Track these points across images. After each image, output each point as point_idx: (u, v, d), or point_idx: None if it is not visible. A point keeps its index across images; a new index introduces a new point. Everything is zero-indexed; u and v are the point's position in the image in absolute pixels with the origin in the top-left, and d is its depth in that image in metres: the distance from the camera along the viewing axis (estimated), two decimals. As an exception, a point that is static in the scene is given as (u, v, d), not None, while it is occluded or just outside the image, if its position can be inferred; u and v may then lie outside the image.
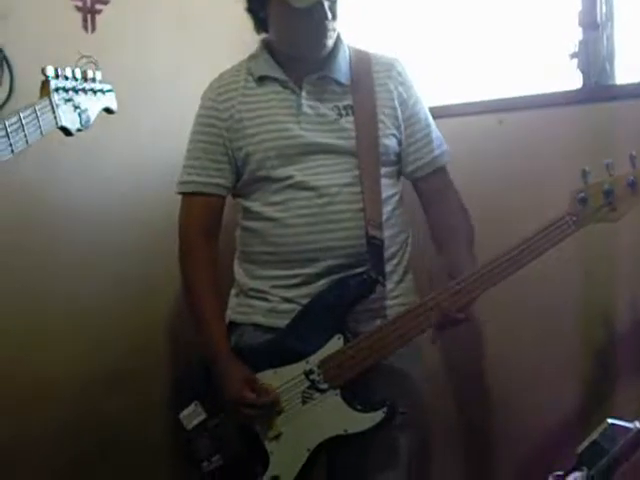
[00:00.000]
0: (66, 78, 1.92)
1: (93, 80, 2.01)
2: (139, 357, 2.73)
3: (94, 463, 2.65)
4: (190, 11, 2.88)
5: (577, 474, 1.65)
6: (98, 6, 2.63)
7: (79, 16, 2.60)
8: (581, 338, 2.48)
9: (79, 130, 1.98)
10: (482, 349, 2.72)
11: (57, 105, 1.88)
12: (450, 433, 2.85)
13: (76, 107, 1.94)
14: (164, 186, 2.41)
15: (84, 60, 2.02)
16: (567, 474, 1.67)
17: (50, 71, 1.89)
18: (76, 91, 1.95)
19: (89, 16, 2.61)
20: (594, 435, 1.63)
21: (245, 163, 2.26)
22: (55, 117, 1.88)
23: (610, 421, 1.63)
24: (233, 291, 2.39)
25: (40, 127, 1.83)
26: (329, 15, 2.17)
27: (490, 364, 2.71)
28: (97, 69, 2.03)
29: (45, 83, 1.88)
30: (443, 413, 2.81)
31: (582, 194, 2.04)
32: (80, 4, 2.60)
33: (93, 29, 2.62)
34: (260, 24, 2.31)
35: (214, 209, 2.32)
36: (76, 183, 2.60)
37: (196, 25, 2.88)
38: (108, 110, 2.09)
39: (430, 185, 2.35)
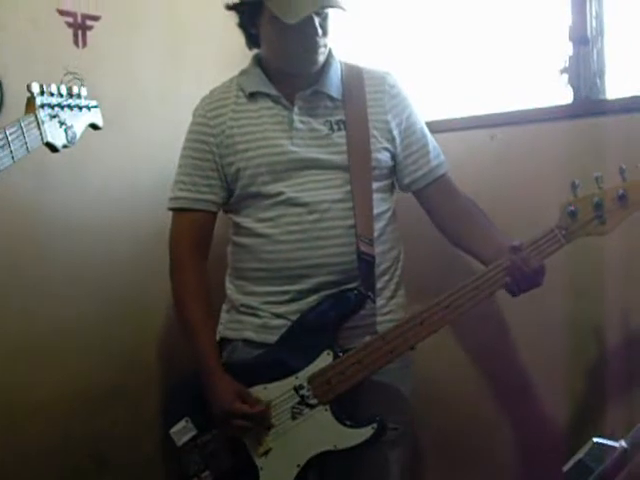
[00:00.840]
0: (52, 94, 1.93)
1: (78, 96, 2.02)
2: (131, 373, 2.72)
3: (89, 477, 2.64)
4: (181, 26, 2.88)
5: None
6: (89, 22, 2.64)
7: (70, 32, 2.60)
8: (570, 354, 2.48)
9: (65, 146, 1.98)
10: (470, 363, 2.72)
11: (43, 121, 1.89)
12: (438, 449, 2.84)
13: (62, 123, 1.95)
14: (155, 201, 2.43)
15: (69, 76, 2.02)
16: None
17: (35, 88, 1.89)
18: (62, 107, 1.96)
19: (80, 32, 2.62)
20: (580, 454, 1.63)
21: (236, 179, 2.25)
22: (41, 133, 1.89)
23: (595, 440, 1.63)
24: (224, 307, 2.39)
25: (26, 143, 1.83)
26: (319, 31, 2.17)
27: (478, 379, 2.71)
28: (82, 85, 2.03)
29: (31, 100, 1.89)
30: (431, 429, 2.80)
31: (572, 207, 2.04)
32: (71, 20, 2.60)
33: (84, 44, 2.62)
34: (251, 40, 2.31)
35: (204, 225, 2.32)
36: (66, 197, 2.59)
37: (187, 40, 2.89)
38: (94, 126, 2.10)
39: (433, 191, 2.33)
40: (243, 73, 2.34)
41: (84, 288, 2.63)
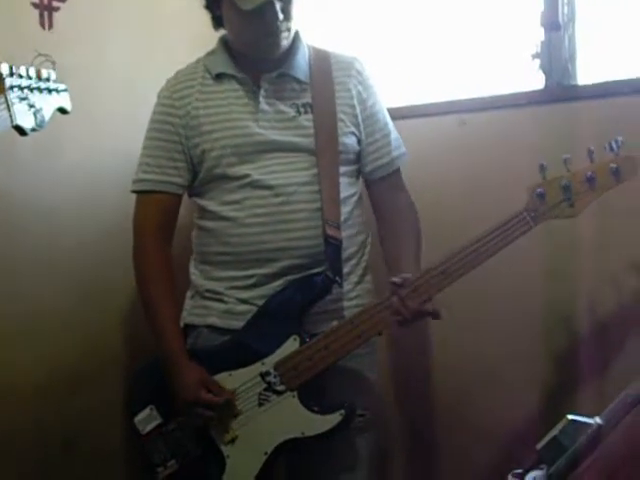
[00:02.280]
0: (20, 76, 1.88)
1: (47, 79, 1.97)
2: (99, 357, 2.68)
3: (58, 460, 2.60)
4: (149, 8, 2.83)
5: (536, 473, 1.63)
6: (55, 3, 2.58)
7: (36, 13, 2.55)
8: (541, 337, 2.48)
9: (33, 130, 1.93)
10: (440, 348, 2.71)
11: (12, 103, 1.84)
12: (408, 434, 2.83)
13: (31, 106, 1.90)
14: (121, 185, 2.38)
15: (41, 58, 1.98)
16: (527, 472, 1.65)
17: (5, 69, 1.84)
18: (31, 90, 1.90)
19: (46, 13, 2.56)
20: (554, 431, 1.62)
21: (201, 161, 2.22)
22: (10, 115, 1.84)
23: (570, 417, 1.62)
24: (189, 293, 2.36)
25: None
26: (280, 16, 2.13)
27: (449, 363, 2.70)
28: (53, 68, 1.98)
29: (0, 81, 1.84)
30: (400, 413, 2.78)
31: (540, 189, 2.02)
32: (37, 1, 2.55)
33: (50, 26, 2.57)
34: (217, 21, 2.28)
35: (169, 208, 2.29)
36: (31, 181, 2.53)
37: (155, 22, 2.84)
38: (62, 110, 2.05)
39: (384, 186, 2.33)
40: (209, 54, 2.31)
41: (52, 272, 2.57)
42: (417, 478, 2.82)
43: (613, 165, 1.99)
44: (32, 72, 1.92)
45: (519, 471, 1.67)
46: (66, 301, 2.61)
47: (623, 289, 2.33)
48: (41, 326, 2.56)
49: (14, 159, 2.45)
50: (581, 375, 2.38)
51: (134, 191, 2.29)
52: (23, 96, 1.88)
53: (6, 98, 1.83)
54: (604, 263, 2.34)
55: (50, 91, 1.98)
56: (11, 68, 1.87)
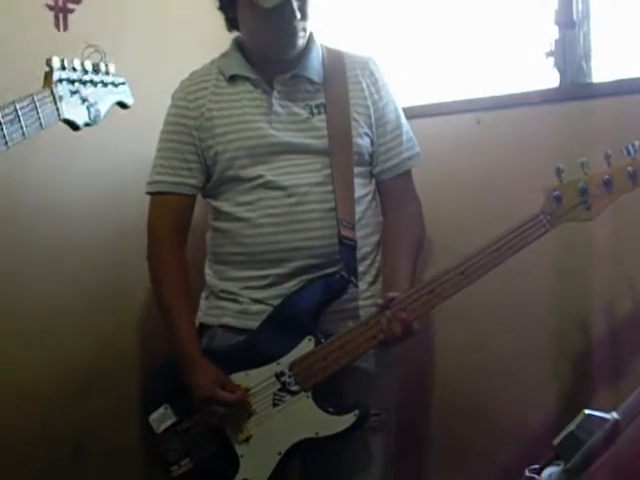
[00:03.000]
0: (74, 70, 1.86)
1: (106, 73, 1.95)
2: (112, 358, 2.69)
3: (68, 464, 2.61)
4: (163, 10, 2.85)
5: (552, 469, 1.64)
6: (70, 5, 2.60)
7: (51, 15, 2.57)
8: (555, 336, 2.46)
9: (87, 125, 1.91)
10: (455, 348, 2.71)
11: (61, 97, 1.81)
12: (423, 434, 2.83)
13: (84, 100, 1.88)
14: (135, 186, 2.39)
15: (90, 50, 1.95)
16: (543, 467, 1.65)
17: (56, 62, 1.82)
18: (83, 83, 1.88)
19: (61, 15, 2.58)
20: (571, 426, 1.61)
21: (215, 162, 2.23)
22: (57, 109, 1.82)
23: (587, 412, 1.61)
24: (203, 294, 2.37)
25: (40, 119, 1.75)
26: (298, 15, 2.14)
27: (464, 362, 2.69)
28: (103, 59, 1.96)
29: (48, 74, 1.82)
30: (416, 414, 2.79)
31: (557, 192, 2.02)
32: (52, 3, 2.56)
33: (65, 28, 2.59)
34: (231, 23, 2.29)
35: (183, 209, 2.30)
36: (49, 181, 2.56)
37: (169, 24, 2.85)
38: (122, 104, 2.03)
39: (393, 188, 2.33)
40: (223, 56, 2.32)
41: (65, 273, 2.59)
42: (433, 477, 2.82)
43: (630, 168, 1.98)
44: (87, 65, 1.90)
45: (536, 467, 1.67)
46: (79, 302, 2.63)
47: (637, 288, 2.32)
48: (52, 327, 2.57)
49: (31, 158, 2.46)
50: (596, 375, 2.37)
51: (148, 192, 2.31)
52: (74, 89, 1.86)
53: (52, 91, 1.81)
54: (618, 262, 2.33)
55: (105, 84, 1.96)
56: (62, 61, 1.84)
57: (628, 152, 1.98)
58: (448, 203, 2.58)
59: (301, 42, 2.21)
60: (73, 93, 1.86)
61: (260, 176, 2.19)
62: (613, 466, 1.55)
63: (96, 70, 1.94)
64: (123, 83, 2.03)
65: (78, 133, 2.28)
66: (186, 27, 2.87)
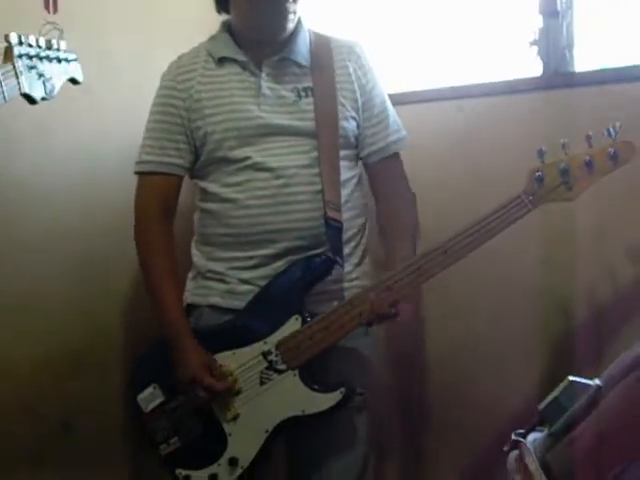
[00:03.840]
0: (30, 45, 1.89)
1: (57, 49, 1.98)
2: (99, 338, 2.70)
3: (57, 442, 2.61)
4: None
5: (536, 435, 1.68)
6: (60, -13, 2.61)
7: (41, -3, 2.58)
8: (538, 321, 2.50)
9: (43, 99, 1.93)
10: (437, 333, 2.74)
11: (21, 72, 1.84)
12: (405, 415, 2.86)
13: (40, 75, 1.90)
14: (124, 167, 2.39)
15: (49, 27, 1.99)
16: (528, 432, 1.69)
17: (14, 38, 1.84)
18: (40, 59, 1.91)
19: (51, -3, 2.59)
20: (555, 392, 1.66)
21: (203, 143, 2.25)
22: (19, 83, 1.85)
23: (571, 378, 1.66)
24: (190, 274, 2.38)
25: (3, 92, 1.78)
26: None
27: (445, 347, 2.73)
28: (62, 37, 1.99)
29: (8, 49, 1.84)
30: (399, 395, 2.82)
31: (539, 173, 2.05)
32: (42, -15, 2.57)
33: (55, 10, 2.59)
34: (221, 5, 2.31)
35: (171, 189, 2.31)
36: (34, 163, 2.56)
37: (161, 7, 2.87)
38: (73, 80, 2.05)
39: (382, 171, 2.36)
40: (212, 39, 2.34)
41: (53, 252, 2.59)
42: (416, 457, 2.85)
43: (611, 150, 2.02)
44: (42, 42, 1.92)
45: (521, 431, 1.71)
46: (67, 282, 2.63)
47: (619, 274, 2.37)
48: (40, 307, 2.57)
49: (15, 140, 2.47)
50: (577, 359, 2.41)
51: (137, 172, 2.32)
52: (32, 65, 1.88)
53: (14, 66, 1.84)
54: (601, 248, 2.38)
55: (60, 60, 1.98)
56: (20, 37, 1.87)
57: (609, 134, 2.02)
58: (431, 190, 2.60)
59: (291, 25, 2.24)
60: (31, 68, 1.89)
61: (248, 157, 2.21)
62: (595, 430, 1.59)
63: (49, 47, 1.96)
64: (75, 60, 2.06)
65: (63, 113, 2.32)
66: (177, 10, 2.88)
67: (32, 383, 2.55)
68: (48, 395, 2.58)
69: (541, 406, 1.67)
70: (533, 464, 1.62)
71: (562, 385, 1.66)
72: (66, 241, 2.63)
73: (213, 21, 2.38)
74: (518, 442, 1.69)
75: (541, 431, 1.68)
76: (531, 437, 1.69)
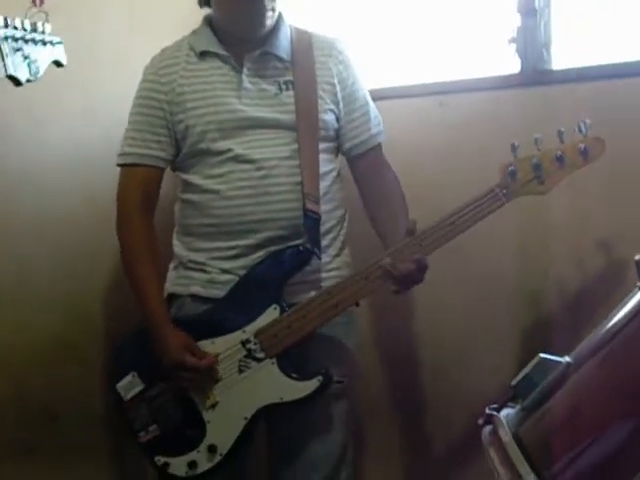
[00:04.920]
0: (15, 28, 1.92)
1: (43, 32, 2.01)
2: (83, 326, 2.72)
3: (41, 430, 2.63)
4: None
5: (509, 410, 1.73)
6: (46, -20, 2.63)
7: (26, -11, 2.60)
8: (510, 313, 2.56)
9: (28, 81, 1.95)
10: (413, 320, 2.78)
11: (6, 54, 1.87)
12: (383, 400, 2.90)
13: (26, 57, 1.92)
14: (110, 158, 2.41)
15: (34, 9, 2.02)
16: (502, 406, 1.75)
17: None
18: (26, 41, 1.93)
19: (37, -10, 2.61)
20: (527, 369, 1.70)
21: (185, 136, 2.28)
22: (4, 65, 1.88)
23: (542, 356, 1.70)
24: (172, 264, 2.41)
25: None
26: None
27: (421, 334, 2.78)
28: (47, 20, 2.02)
29: None
30: (376, 382, 2.86)
31: (512, 167, 2.11)
32: (28, -23, 2.59)
33: (41, 3, 2.61)
34: (203, 0, 2.34)
35: (152, 181, 2.34)
36: (20, 152, 2.57)
37: (146, 1, 2.89)
38: (57, 63, 2.08)
39: (366, 162, 2.40)
40: (194, 33, 2.37)
41: (38, 241, 2.61)
42: (395, 444, 2.89)
43: (582, 145, 2.08)
44: (27, 24, 1.95)
45: (495, 406, 1.76)
46: (51, 270, 2.65)
47: (590, 266, 2.41)
48: (24, 296, 2.59)
49: (3, 128, 2.49)
50: (549, 349, 2.45)
51: (119, 164, 2.35)
52: (18, 47, 1.90)
53: (0, 48, 1.88)
54: (572, 240, 2.43)
55: (45, 43, 2.00)
56: (5, 19, 1.89)
57: (580, 130, 2.08)
58: (411, 184, 2.62)
59: (269, 22, 2.28)
60: (16, 50, 1.91)
61: (229, 150, 2.25)
62: (566, 405, 1.64)
63: (34, 29, 1.99)
64: (60, 42, 2.08)
65: (52, 102, 2.34)
66: (160, 4, 2.91)
67: (16, 371, 2.56)
68: (32, 383, 2.60)
69: (514, 382, 1.71)
70: (506, 436, 1.66)
71: (533, 362, 1.71)
72: (51, 230, 2.64)
73: (197, 14, 2.40)
74: (491, 416, 1.74)
75: (513, 407, 1.73)
76: (504, 412, 1.73)
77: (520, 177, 2.11)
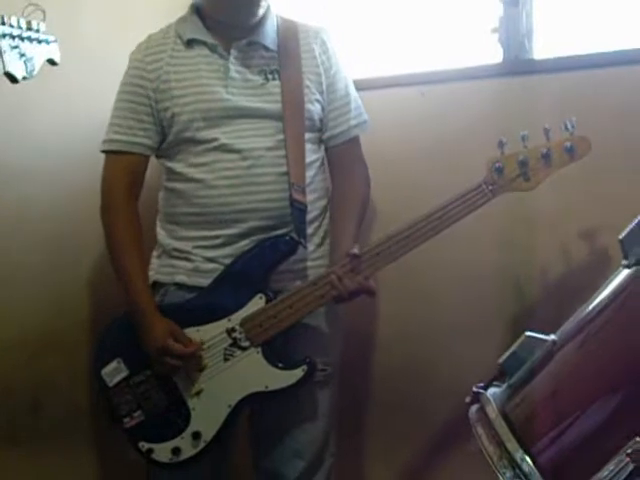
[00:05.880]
0: (12, 26, 1.92)
1: (37, 30, 2.01)
2: (68, 316, 2.71)
3: (26, 419, 2.63)
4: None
5: (495, 390, 1.78)
6: (30, -29, 2.60)
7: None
8: (495, 302, 2.58)
9: (24, 78, 1.96)
10: (397, 308, 2.80)
11: (4, 51, 1.88)
12: (366, 389, 2.92)
13: (22, 55, 1.93)
14: (95, 148, 2.40)
15: (31, 8, 2.01)
16: (489, 384, 1.80)
17: None
18: (22, 39, 1.94)
19: (23, -21, 2.59)
20: (514, 347, 1.76)
21: (171, 124, 2.27)
22: (2, 62, 1.88)
23: (528, 334, 1.76)
24: (155, 252, 2.41)
25: None
26: None
27: (405, 325, 2.79)
28: (43, 18, 2.02)
29: None
30: (359, 370, 2.88)
31: (498, 164, 2.14)
32: (12, -31, 2.57)
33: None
34: None
35: (137, 168, 2.33)
36: (4, 142, 2.54)
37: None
38: (51, 61, 2.08)
39: (340, 154, 2.41)
40: (181, 20, 2.36)
41: (22, 230, 2.59)
42: (378, 432, 2.92)
43: (568, 143, 2.12)
44: (22, 22, 1.95)
45: (481, 385, 1.80)
46: (36, 260, 2.63)
47: (574, 256, 2.45)
48: (12, 286, 2.58)
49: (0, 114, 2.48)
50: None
51: (103, 151, 2.34)
52: (14, 44, 1.91)
53: None
54: (557, 230, 2.46)
55: (40, 41, 2.01)
56: (3, 17, 1.90)
57: (566, 127, 2.11)
58: (393, 174, 2.65)
59: (262, 11, 2.29)
60: (13, 48, 1.92)
61: (215, 139, 2.24)
62: (549, 382, 1.71)
63: (29, 27, 1.99)
64: (55, 41, 2.09)
65: (34, 95, 2.32)
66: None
67: (4, 364, 2.55)
68: (17, 372, 2.59)
69: (501, 359, 1.77)
70: (493, 412, 1.71)
71: (520, 340, 1.77)
72: (35, 221, 2.62)
73: (185, 3, 2.40)
74: (478, 394, 1.78)
75: (499, 387, 1.78)
76: (491, 391, 1.78)
77: (506, 174, 2.15)
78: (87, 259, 2.78)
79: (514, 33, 2.62)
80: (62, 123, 2.69)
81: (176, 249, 2.33)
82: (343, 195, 2.38)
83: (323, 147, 2.41)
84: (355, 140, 2.41)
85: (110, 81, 2.41)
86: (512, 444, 1.64)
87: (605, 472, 1.51)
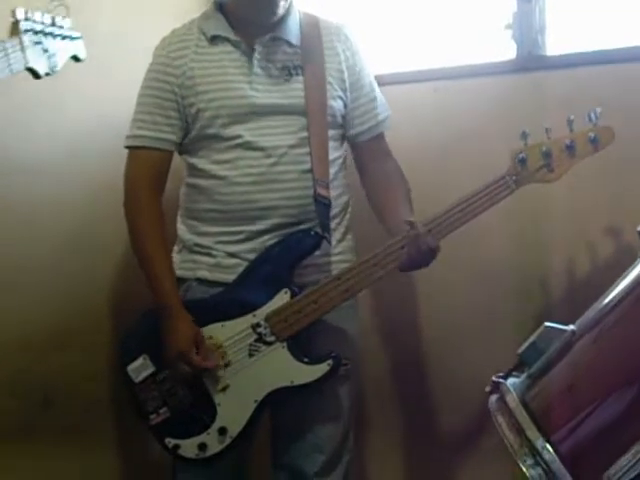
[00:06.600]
0: (35, 21, 1.92)
1: (61, 26, 2.01)
2: (81, 311, 2.70)
3: (37, 415, 2.64)
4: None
5: (514, 380, 1.80)
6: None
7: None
8: (516, 297, 2.60)
9: (47, 74, 1.97)
10: (413, 305, 2.82)
11: (27, 46, 1.88)
12: (384, 384, 2.95)
13: (45, 50, 1.94)
14: (110, 143, 2.40)
15: (56, 3, 2.01)
16: (508, 374, 1.82)
17: (20, 13, 1.89)
18: (45, 35, 1.94)
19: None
20: (533, 337, 1.79)
21: (195, 120, 2.27)
22: (25, 57, 1.88)
23: (547, 324, 1.78)
24: (176, 248, 2.41)
25: (10, 65, 1.83)
26: None
27: (424, 321, 2.81)
28: (67, 14, 2.02)
29: (15, 24, 1.88)
30: (376, 366, 2.90)
31: (522, 155, 2.14)
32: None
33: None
34: None
35: (162, 164, 2.33)
36: (19, 137, 2.54)
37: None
38: (76, 58, 2.08)
39: (370, 149, 2.41)
40: (204, 17, 2.35)
41: (39, 224, 2.60)
42: (396, 427, 2.94)
43: (591, 134, 2.12)
44: (47, 18, 1.95)
45: (501, 374, 1.82)
46: (54, 258, 2.63)
47: (592, 252, 2.46)
48: (24, 280, 2.57)
49: (12, 110, 2.47)
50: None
51: (128, 146, 2.33)
52: (37, 40, 1.92)
53: (20, 40, 1.87)
54: (575, 226, 2.48)
55: (64, 37, 2.02)
56: (26, 12, 1.91)
57: (590, 119, 2.12)
58: (406, 170, 2.63)
59: (281, 11, 2.28)
60: (36, 43, 1.93)
61: (239, 136, 2.25)
62: (566, 375, 1.74)
63: (54, 23, 1.99)
64: (79, 37, 2.09)
65: (47, 90, 2.32)
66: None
67: (13, 356, 2.55)
68: (29, 368, 2.59)
69: (520, 350, 1.79)
70: (513, 402, 1.73)
71: (539, 330, 1.79)
72: (53, 218, 2.62)
73: (201, 2, 2.40)
74: (498, 383, 1.80)
75: (518, 377, 1.81)
76: (510, 381, 1.80)
77: (530, 165, 2.14)
78: (105, 256, 2.78)
79: (527, 29, 2.63)
80: (75, 118, 2.69)
81: (197, 244, 2.34)
82: (389, 190, 2.37)
83: (345, 144, 2.42)
84: (382, 135, 2.43)
85: (125, 74, 2.41)
86: (533, 432, 1.66)
87: (623, 462, 1.54)
